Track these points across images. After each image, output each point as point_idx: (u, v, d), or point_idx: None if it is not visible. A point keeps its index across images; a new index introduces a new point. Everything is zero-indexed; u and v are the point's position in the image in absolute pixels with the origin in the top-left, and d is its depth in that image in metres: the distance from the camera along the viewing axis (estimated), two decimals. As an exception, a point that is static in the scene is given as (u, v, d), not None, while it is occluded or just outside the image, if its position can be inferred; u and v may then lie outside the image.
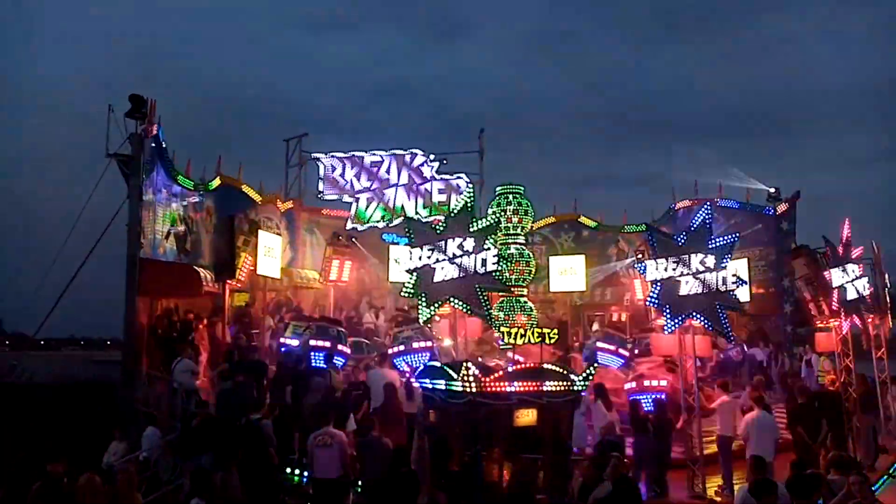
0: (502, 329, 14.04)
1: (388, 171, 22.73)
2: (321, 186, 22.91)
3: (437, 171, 22.65)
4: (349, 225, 22.23)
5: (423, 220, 15.79)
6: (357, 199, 22.61)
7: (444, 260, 11.91)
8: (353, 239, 21.04)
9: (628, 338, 19.04)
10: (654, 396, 13.73)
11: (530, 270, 18.16)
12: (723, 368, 17.33)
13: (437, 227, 12.39)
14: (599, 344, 17.98)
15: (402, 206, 22.39)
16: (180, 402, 13.45)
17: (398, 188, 22.59)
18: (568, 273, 23.46)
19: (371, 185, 22.69)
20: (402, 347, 15.08)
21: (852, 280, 15.25)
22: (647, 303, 13.76)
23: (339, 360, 14.66)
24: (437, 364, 11.34)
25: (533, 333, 11.87)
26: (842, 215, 16.12)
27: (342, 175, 22.79)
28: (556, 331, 11.93)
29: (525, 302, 17.90)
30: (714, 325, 12.18)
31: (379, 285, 22.84)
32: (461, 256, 11.81)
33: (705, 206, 12.83)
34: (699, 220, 12.46)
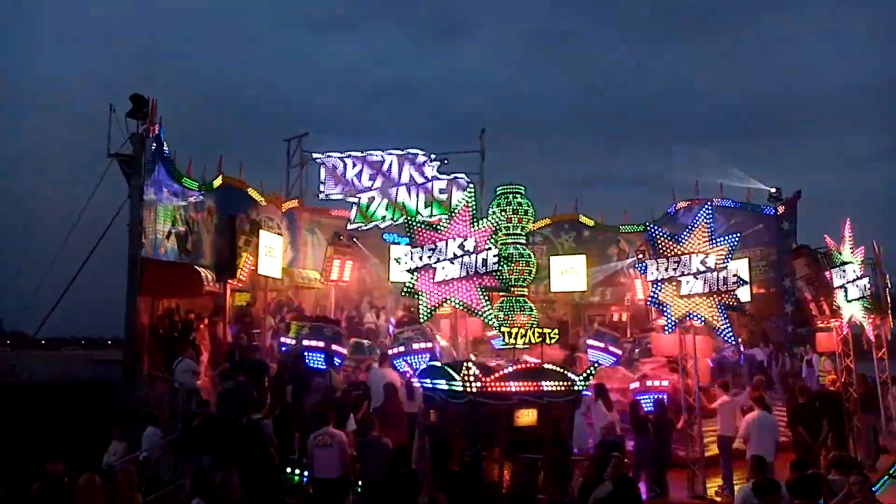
0: (502, 329, 14.06)
1: (388, 171, 22.71)
2: (323, 186, 22.87)
3: (437, 171, 22.62)
4: (350, 224, 22.20)
5: (425, 220, 15.80)
6: (360, 198, 22.58)
7: (444, 260, 11.92)
8: (354, 239, 21.05)
9: (628, 336, 19.05)
10: (654, 396, 13.75)
11: (531, 270, 18.15)
12: (720, 369, 17.33)
13: (438, 226, 12.40)
14: (589, 341, 18.12)
15: (404, 203, 22.34)
16: (181, 402, 13.46)
17: (399, 187, 22.56)
18: (568, 273, 23.47)
19: (373, 185, 22.65)
20: (402, 348, 15.08)
21: (853, 280, 15.26)
22: (648, 303, 13.77)
23: (336, 361, 14.64)
24: (438, 364, 11.34)
25: (533, 333, 11.89)
26: (842, 215, 16.14)
27: (343, 175, 22.78)
28: (556, 331, 11.94)
29: (525, 302, 17.89)
30: (715, 326, 12.19)
31: (380, 285, 22.84)
32: (462, 256, 11.81)
33: (706, 206, 12.84)
34: (700, 220, 12.46)
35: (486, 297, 12.08)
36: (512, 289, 17.02)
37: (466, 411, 9.72)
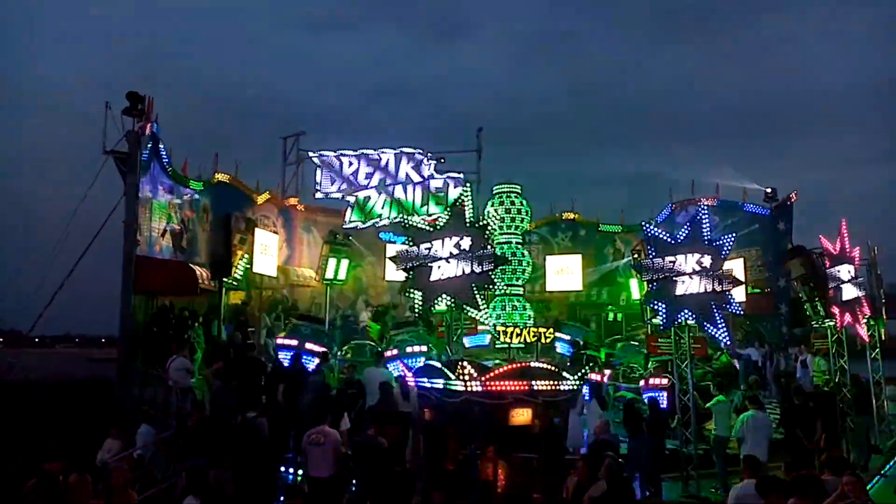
0: (498, 328, 14.07)
1: (385, 170, 22.62)
2: (318, 184, 22.79)
3: (435, 170, 22.57)
4: (346, 223, 22.14)
5: (422, 218, 15.77)
6: (357, 196, 22.49)
7: (440, 259, 11.91)
8: (350, 237, 21.04)
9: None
10: (648, 396, 13.79)
11: (525, 269, 18.17)
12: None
13: (434, 225, 12.38)
14: (557, 334, 18.22)
15: (399, 205, 22.24)
16: (175, 401, 13.43)
17: (396, 185, 22.49)
18: (564, 272, 23.52)
19: (370, 182, 22.56)
20: (396, 351, 15.07)
21: (848, 281, 15.30)
22: (643, 302, 13.79)
23: (307, 360, 14.48)
24: (434, 363, 11.33)
25: (529, 333, 11.90)
26: (839, 216, 16.18)
27: (339, 173, 22.70)
28: (551, 330, 11.97)
29: (521, 301, 17.91)
30: (710, 326, 12.21)
31: (376, 284, 22.84)
32: (458, 255, 11.80)
33: (702, 206, 12.86)
34: (695, 220, 12.48)
35: (482, 296, 12.07)
36: (508, 288, 17.04)
37: (461, 410, 9.71)
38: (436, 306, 12.21)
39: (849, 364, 15.39)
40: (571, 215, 25.41)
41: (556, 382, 10.09)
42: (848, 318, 15.16)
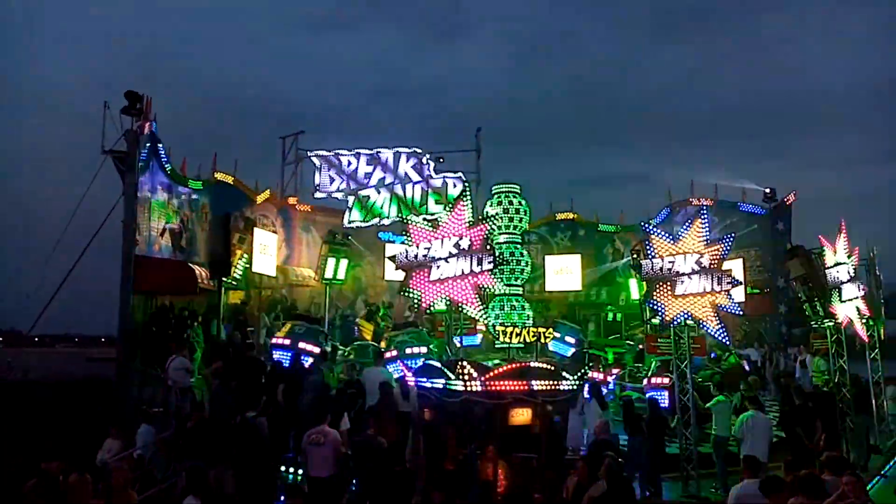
0: (497, 328, 14.06)
1: (384, 170, 22.60)
2: (317, 184, 22.75)
3: (434, 170, 22.56)
4: (345, 223, 22.11)
5: (421, 217, 15.74)
6: (357, 195, 22.46)
7: (440, 259, 11.89)
8: (349, 237, 21.03)
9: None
10: (648, 396, 13.80)
11: (524, 269, 18.16)
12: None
13: (434, 225, 12.36)
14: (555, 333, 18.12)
15: (399, 205, 22.20)
16: (174, 400, 13.42)
17: (395, 184, 22.46)
18: (564, 272, 23.53)
19: (369, 181, 22.54)
20: (395, 352, 15.05)
21: (847, 281, 15.30)
22: (643, 302, 13.80)
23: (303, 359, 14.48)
24: (434, 363, 11.32)
25: (528, 332, 11.90)
26: (839, 216, 16.18)
27: (338, 173, 22.68)
28: (551, 330, 11.96)
29: (521, 301, 17.90)
30: (709, 326, 12.21)
31: (375, 283, 22.83)
32: (457, 255, 11.78)
33: (701, 206, 12.87)
34: (694, 220, 12.48)
35: (482, 296, 12.05)
36: (507, 288, 17.03)
37: (461, 410, 9.70)
38: (435, 306, 12.21)
39: (848, 364, 15.39)
40: (570, 215, 25.42)
41: (555, 382, 10.10)
42: (847, 318, 15.17)
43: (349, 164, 22.67)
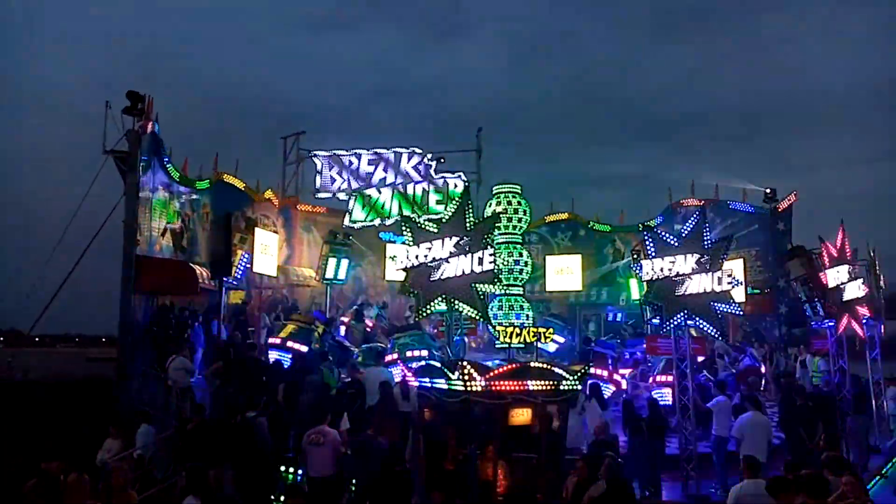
0: (498, 328, 14.05)
1: (385, 170, 22.60)
2: (318, 184, 22.75)
3: (434, 170, 22.56)
4: (346, 223, 22.11)
5: (420, 218, 15.73)
6: (356, 196, 22.44)
7: (440, 259, 11.89)
8: (350, 237, 21.02)
9: None
10: (647, 395, 13.82)
11: (524, 269, 18.11)
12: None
13: (434, 225, 12.35)
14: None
15: (400, 205, 22.18)
16: (175, 400, 13.44)
17: (396, 185, 22.45)
18: (564, 272, 23.52)
19: (368, 184, 22.54)
20: (395, 355, 15.05)
21: (847, 281, 15.30)
22: (643, 303, 13.80)
23: (283, 357, 14.91)
24: (435, 363, 11.32)
25: (529, 333, 11.90)
26: (840, 216, 16.22)
27: (339, 173, 22.68)
28: (551, 330, 11.96)
29: (522, 301, 17.87)
30: (710, 326, 12.22)
31: (375, 283, 22.84)
32: (458, 255, 11.78)
33: (702, 206, 12.88)
34: (695, 219, 12.49)
35: (482, 297, 12.05)
36: (508, 288, 17.00)
37: (461, 410, 9.71)
38: (435, 306, 12.20)
39: (848, 364, 15.39)
40: (571, 215, 25.41)
41: (555, 382, 10.09)
42: (846, 319, 15.18)
43: (350, 163, 22.67)
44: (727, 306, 12.26)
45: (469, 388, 9.41)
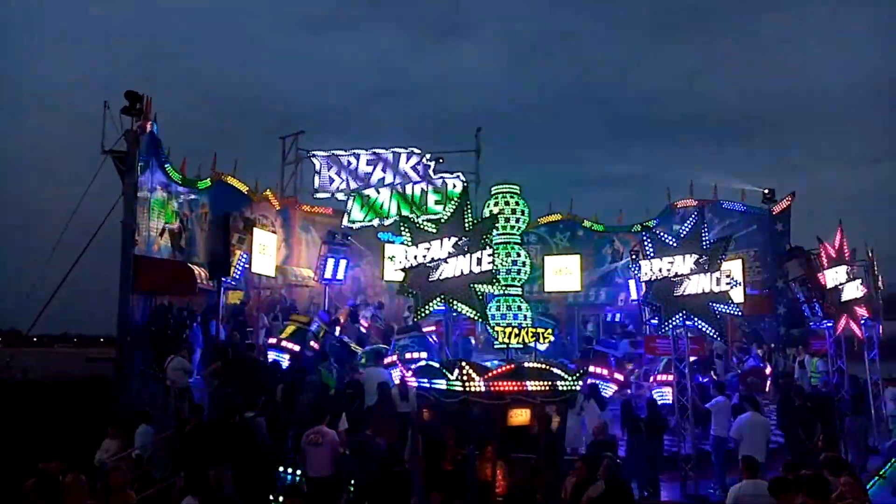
0: (496, 329, 14.03)
1: (384, 170, 22.61)
2: (317, 184, 22.74)
3: (433, 170, 22.56)
4: (344, 223, 22.09)
5: (419, 219, 15.72)
6: (354, 196, 22.43)
7: (439, 259, 11.89)
8: (349, 237, 21.02)
9: None
10: (648, 397, 13.83)
11: (523, 269, 18.11)
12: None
13: (432, 225, 12.35)
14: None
15: (399, 205, 22.16)
16: (173, 401, 13.44)
17: (395, 185, 22.44)
18: (563, 273, 23.52)
19: (367, 184, 22.53)
20: (395, 357, 15.05)
21: (846, 282, 15.32)
22: (642, 303, 13.81)
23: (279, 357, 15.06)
24: (434, 363, 11.32)
25: (527, 333, 11.89)
26: (839, 216, 16.23)
27: (338, 173, 22.69)
28: (550, 331, 11.95)
29: (520, 302, 17.87)
30: (708, 326, 12.23)
31: (374, 283, 22.84)
32: (456, 255, 11.78)
33: (700, 207, 12.90)
34: (694, 220, 12.50)
35: (480, 297, 12.05)
36: (506, 288, 16.99)
37: (460, 410, 9.71)
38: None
39: (847, 365, 15.40)
40: (570, 215, 25.42)
41: (554, 382, 10.09)
42: (844, 319, 15.19)
43: (349, 163, 22.67)
44: (726, 307, 12.26)
45: (468, 389, 9.41)
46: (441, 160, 22.77)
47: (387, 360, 14.95)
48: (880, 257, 18.69)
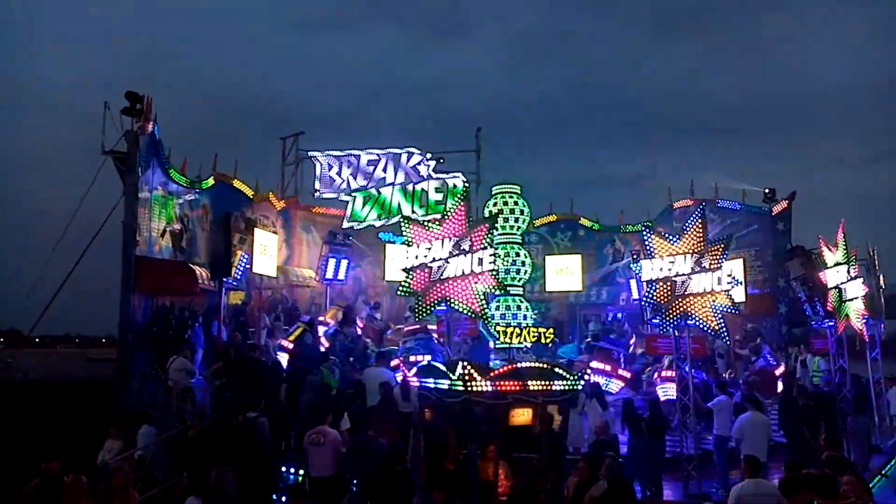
0: (498, 329, 14.04)
1: (384, 170, 22.60)
2: (318, 184, 22.75)
3: (433, 170, 22.55)
4: (345, 223, 22.08)
5: (420, 219, 15.71)
6: (355, 197, 22.41)
7: (440, 259, 11.88)
8: (350, 237, 21.01)
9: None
10: (649, 398, 13.85)
11: (525, 270, 18.10)
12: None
13: (434, 225, 12.34)
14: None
15: (399, 205, 22.15)
16: (175, 401, 13.44)
17: (395, 186, 22.42)
18: (564, 273, 23.52)
19: (367, 184, 22.54)
20: (400, 361, 15.06)
21: (847, 281, 15.30)
22: (643, 303, 13.81)
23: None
24: (436, 363, 11.32)
25: (529, 333, 11.89)
26: (839, 216, 16.26)
27: (338, 173, 22.69)
28: (552, 330, 11.96)
29: (521, 301, 17.85)
30: (709, 326, 12.22)
31: (375, 283, 22.84)
32: (457, 255, 11.77)
33: (701, 207, 12.89)
34: (695, 220, 12.49)
35: (482, 297, 12.04)
36: (508, 288, 17.00)
37: (462, 410, 9.71)
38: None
39: (848, 364, 15.40)
40: (571, 215, 25.41)
41: (555, 382, 10.09)
42: (848, 317, 15.18)
43: (350, 163, 22.68)
44: (727, 306, 12.26)
45: (470, 389, 9.41)
46: (442, 160, 22.75)
47: (393, 363, 14.96)
48: (882, 257, 18.71)
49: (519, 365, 10.42)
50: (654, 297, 12.51)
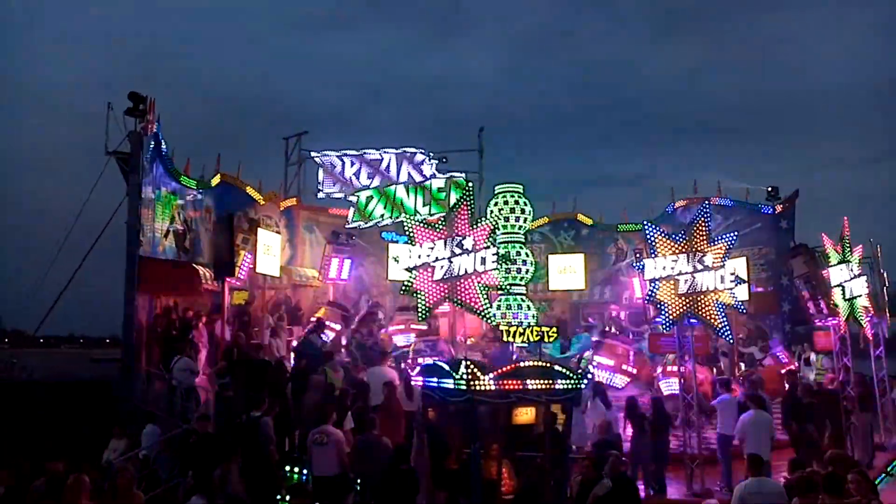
0: (501, 328, 14.07)
1: (387, 169, 22.65)
2: (321, 184, 22.77)
3: (436, 170, 22.55)
4: (351, 222, 22.09)
5: (424, 218, 15.73)
6: (358, 197, 22.42)
7: (443, 258, 11.89)
8: (354, 237, 21.03)
9: None
10: (652, 397, 13.85)
11: (529, 269, 18.14)
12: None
13: (437, 225, 12.37)
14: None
15: (402, 202, 22.14)
16: (179, 401, 13.47)
17: (397, 186, 22.42)
18: (567, 271, 23.52)
19: (371, 184, 22.58)
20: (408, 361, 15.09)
21: (851, 279, 15.29)
22: (646, 301, 13.82)
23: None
24: (440, 362, 11.34)
25: (532, 332, 11.91)
26: (841, 214, 16.23)
27: (342, 173, 22.72)
28: (555, 329, 11.97)
29: (524, 300, 17.88)
30: (712, 324, 12.22)
31: (378, 283, 22.86)
32: (460, 255, 11.79)
33: (704, 205, 12.90)
34: (697, 218, 12.50)
35: (485, 296, 12.06)
36: (511, 287, 17.01)
37: (465, 409, 9.72)
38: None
39: (852, 362, 15.39)
40: (574, 214, 25.40)
41: (558, 381, 10.10)
42: (851, 315, 15.16)
43: (352, 164, 22.73)
44: (730, 304, 12.26)
45: (473, 388, 9.42)
46: (444, 159, 22.78)
47: (402, 366, 14.98)
48: (885, 254, 18.67)
49: (521, 364, 10.44)
50: (657, 296, 12.51)
